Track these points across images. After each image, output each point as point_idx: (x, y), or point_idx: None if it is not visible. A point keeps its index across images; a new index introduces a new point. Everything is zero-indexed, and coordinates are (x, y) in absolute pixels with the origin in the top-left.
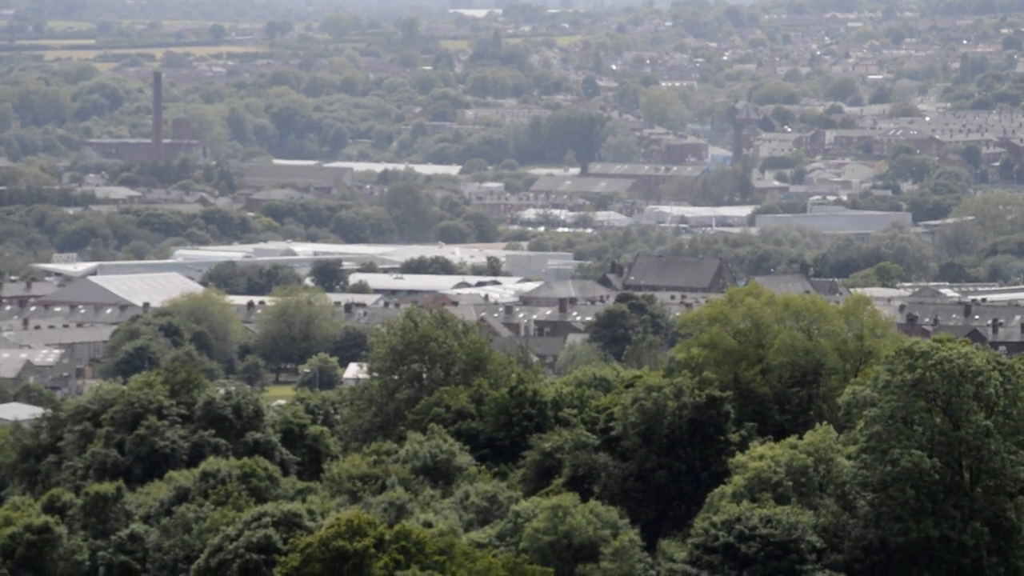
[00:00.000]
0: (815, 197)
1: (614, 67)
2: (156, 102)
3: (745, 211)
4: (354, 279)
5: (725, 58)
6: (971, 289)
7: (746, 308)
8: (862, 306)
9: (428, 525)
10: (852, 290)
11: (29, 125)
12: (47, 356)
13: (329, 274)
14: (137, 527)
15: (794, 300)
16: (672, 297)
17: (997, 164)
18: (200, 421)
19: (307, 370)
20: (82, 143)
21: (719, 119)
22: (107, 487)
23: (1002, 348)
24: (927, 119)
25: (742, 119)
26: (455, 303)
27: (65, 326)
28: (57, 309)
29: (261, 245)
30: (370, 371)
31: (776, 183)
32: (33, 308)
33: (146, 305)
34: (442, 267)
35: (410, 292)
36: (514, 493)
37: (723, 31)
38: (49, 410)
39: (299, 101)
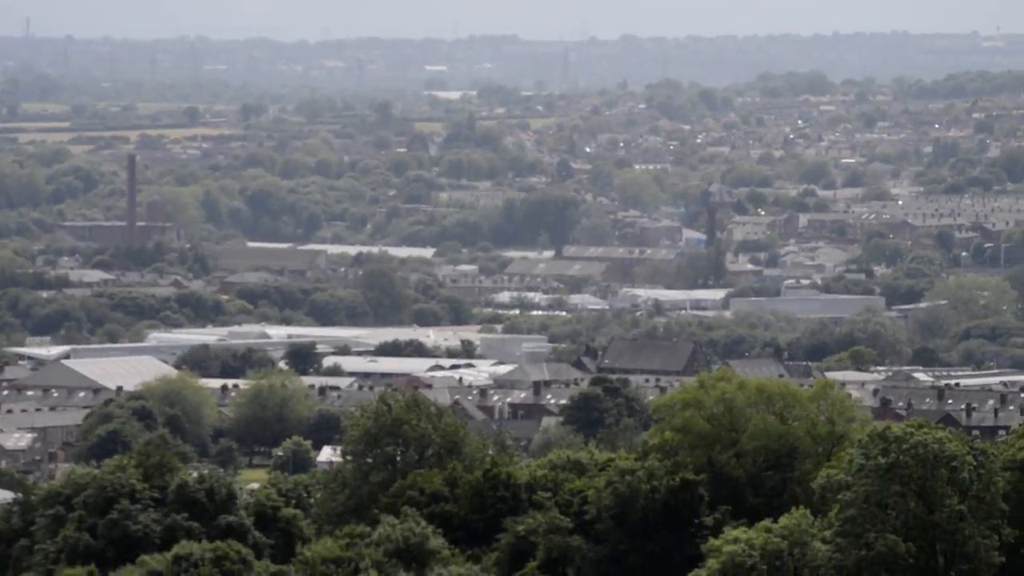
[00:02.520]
0: (789, 281)
1: (588, 149)
2: (130, 185)
3: (719, 294)
4: (328, 362)
5: (699, 141)
6: (944, 373)
7: (719, 393)
8: (829, 390)
9: None
10: (823, 373)
11: (3, 208)
12: (19, 440)
13: (303, 357)
14: None
15: (766, 385)
16: (647, 380)
17: (970, 248)
18: (173, 504)
19: (281, 453)
20: (56, 226)
21: (693, 202)
22: (79, 571)
23: (975, 432)
24: (900, 203)
25: (716, 202)
26: (429, 386)
27: (38, 410)
28: (30, 393)
29: (235, 328)
30: (343, 454)
31: (750, 266)
32: (6, 392)
33: (119, 389)
34: (416, 350)
35: (384, 375)
36: None
37: (697, 114)
38: (20, 494)
39: (273, 183)
